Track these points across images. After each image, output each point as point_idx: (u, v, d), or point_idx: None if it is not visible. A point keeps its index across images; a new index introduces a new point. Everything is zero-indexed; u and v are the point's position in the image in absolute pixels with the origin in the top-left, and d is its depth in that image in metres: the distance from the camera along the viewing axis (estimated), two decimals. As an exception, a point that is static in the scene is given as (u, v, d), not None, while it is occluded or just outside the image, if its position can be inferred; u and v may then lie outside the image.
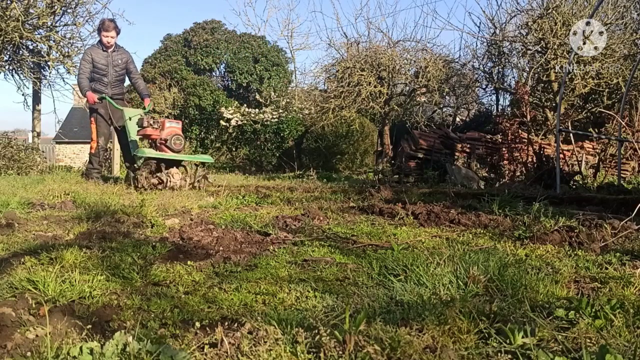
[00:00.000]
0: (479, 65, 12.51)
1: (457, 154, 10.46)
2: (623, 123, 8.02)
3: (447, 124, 14.72)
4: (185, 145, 14.32)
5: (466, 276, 2.10)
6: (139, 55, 59.00)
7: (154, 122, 6.00)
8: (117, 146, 7.79)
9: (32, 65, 11.02)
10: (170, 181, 5.67)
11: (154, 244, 2.87)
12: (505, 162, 10.04)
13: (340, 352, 1.42)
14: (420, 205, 4.30)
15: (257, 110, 17.63)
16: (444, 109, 15.77)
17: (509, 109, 13.20)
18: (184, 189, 5.66)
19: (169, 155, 5.79)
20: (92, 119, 6.54)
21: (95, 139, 6.56)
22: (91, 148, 6.66)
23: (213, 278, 2.33)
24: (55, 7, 10.28)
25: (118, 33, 6.52)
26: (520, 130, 9.70)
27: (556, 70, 9.61)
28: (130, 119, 6.28)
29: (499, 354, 1.44)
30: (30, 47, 11.00)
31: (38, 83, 11.34)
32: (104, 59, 6.47)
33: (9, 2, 9.64)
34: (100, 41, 6.52)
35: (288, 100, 17.71)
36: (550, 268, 2.40)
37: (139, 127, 6.10)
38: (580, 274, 2.33)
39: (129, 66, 6.73)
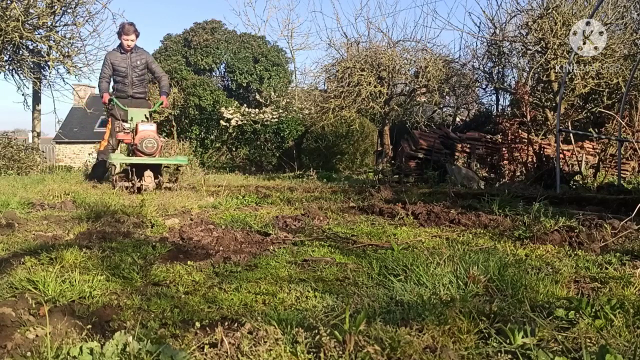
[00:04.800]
0: (479, 65, 12.52)
1: (457, 154, 10.45)
2: (623, 123, 8.02)
3: (447, 124, 14.71)
4: (185, 145, 14.23)
5: (466, 276, 2.10)
6: (139, 55, 58.64)
7: (127, 127, 6.09)
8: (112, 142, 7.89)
9: (32, 65, 11.03)
10: (142, 185, 5.68)
11: (154, 244, 2.87)
12: (505, 162, 10.03)
13: (340, 352, 1.42)
14: (420, 205, 4.30)
15: (257, 110, 17.62)
16: (444, 109, 15.77)
17: (509, 109, 13.21)
18: (160, 190, 5.67)
19: (135, 159, 5.82)
20: (110, 120, 6.78)
21: (107, 139, 6.79)
22: (100, 146, 6.92)
23: (213, 278, 2.33)
24: (55, 7, 10.29)
25: (138, 36, 6.73)
26: (520, 130, 9.69)
27: (556, 70, 9.60)
28: (132, 119, 6.29)
29: (499, 354, 1.43)
30: (30, 47, 11.01)
31: (38, 83, 11.35)
32: (123, 62, 6.67)
33: (9, 2, 9.65)
34: (120, 44, 6.71)
35: (288, 100, 17.70)
36: (550, 268, 2.40)
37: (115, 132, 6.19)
38: (580, 274, 2.33)
39: (151, 66, 6.90)
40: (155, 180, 5.82)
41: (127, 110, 6.41)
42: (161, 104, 6.83)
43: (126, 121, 6.52)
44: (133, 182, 5.70)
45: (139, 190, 5.63)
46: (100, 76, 6.83)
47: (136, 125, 6.09)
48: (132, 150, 6.06)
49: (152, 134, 6.02)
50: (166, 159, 6.48)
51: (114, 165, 6.34)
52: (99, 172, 6.88)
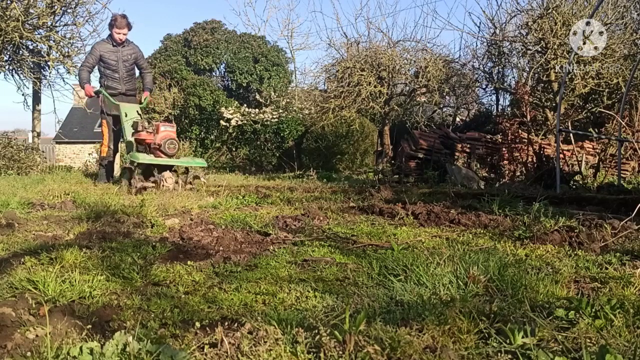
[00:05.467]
0: (479, 65, 12.50)
1: (457, 154, 10.45)
2: (623, 123, 8.02)
3: (447, 124, 14.70)
4: (185, 145, 14.23)
5: (466, 276, 2.10)
6: (139, 55, 58.93)
7: (148, 125, 6.00)
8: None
9: (32, 65, 11.02)
10: (163, 185, 5.68)
11: (154, 244, 2.87)
12: (505, 162, 10.03)
13: (340, 352, 1.42)
14: (420, 205, 4.30)
15: (257, 110, 17.61)
16: (444, 109, 15.75)
17: (509, 109, 13.21)
18: (178, 191, 5.66)
19: (160, 160, 5.79)
20: (104, 121, 6.53)
21: (106, 143, 6.56)
22: (102, 152, 6.66)
23: (213, 278, 2.33)
24: (55, 7, 10.28)
25: (130, 29, 6.47)
26: (520, 130, 9.69)
27: (556, 70, 9.59)
28: (126, 114, 6.26)
29: (499, 354, 1.44)
30: (30, 47, 11.00)
31: (38, 83, 11.34)
32: (114, 54, 6.41)
33: (9, 2, 9.64)
34: (111, 36, 6.44)
35: (288, 100, 17.69)
36: (550, 268, 2.40)
37: (133, 130, 6.11)
38: (580, 274, 2.33)
39: (139, 62, 6.70)
40: (174, 184, 5.80)
41: (119, 105, 6.31)
42: (147, 99, 6.72)
43: (110, 114, 6.39)
44: (154, 182, 5.70)
45: (142, 190, 5.62)
46: (82, 65, 6.47)
47: (157, 125, 6.05)
48: (151, 150, 5.99)
49: (173, 135, 6.00)
50: (187, 161, 6.43)
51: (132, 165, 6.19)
52: (107, 176, 6.71)
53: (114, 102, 6.35)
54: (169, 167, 5.87)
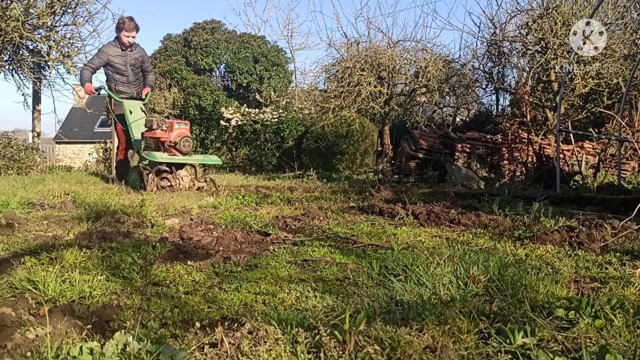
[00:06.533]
0: (479, 65, 12.50)
1: (457, 154, 10.44)
2: (623, 123, 8.02)
3: (447, 124, 14.69)
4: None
5: (466, 276, 2.10)
6: (139, 55, 59.05)
7: (162, 123, 5.94)
8: (116, 144, 7.67)
9: (32, 65, 11.03)
10: (179, 183, 5.65)
11: (154, 244, 2.87)
12: (505, 162, 10.03)
13: (340, 352, 1.42)
14: (420, 205, 4.30)
15: (257, 110, 17.61)
16: (444, 109, 15.74)
17: (509, 109, 13.19)
18: (193, 190, 5.66)
19: (177, 159, 5.75)
20: (118, 126, 6.47)
21: (123, 148, 6.53)
22: (119, 155, 6.63)
23: (213, 278, 2.33)
24: (55, 7, 10.28)
25: (138, 31, 6.39)
26: (520, 130, 9.69)
27: (556, 70, 9.59)
28: (130, 112, 6.23)
29: (499, 354, 1.44)
30: (30, 47, 11.01)
31: (38, 83, 11.35)
32: (121, 58, 6.34)
33: (9, 2, 9.64)
34: (118, 39, 6.36)
35: (288, 100, 17.70)
36: (550, 268, 2.41)
37: (147, 128, 6.04)
38: (580, 274, 2.33)
39: (144, 64, 6.64)
40: (190, 182, 5.77)
41: (123, 102, 6.26)
42: (149, 95, 6.66)
43: (122, 115, 6.36)
44: (170, 181, 5.66)
45: (159, 189, 5.60)
46: (86, 64, 6.38)
47: (171, 122, 5.98)
48: (165, 148, 5.90)
49: (187, 132, 5.95)
50: (202, 159, 6.39)
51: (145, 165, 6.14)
52: (125, 172, 6.67)
53: (118, 100, 6.29)
54: (184, 166, 5.83)
